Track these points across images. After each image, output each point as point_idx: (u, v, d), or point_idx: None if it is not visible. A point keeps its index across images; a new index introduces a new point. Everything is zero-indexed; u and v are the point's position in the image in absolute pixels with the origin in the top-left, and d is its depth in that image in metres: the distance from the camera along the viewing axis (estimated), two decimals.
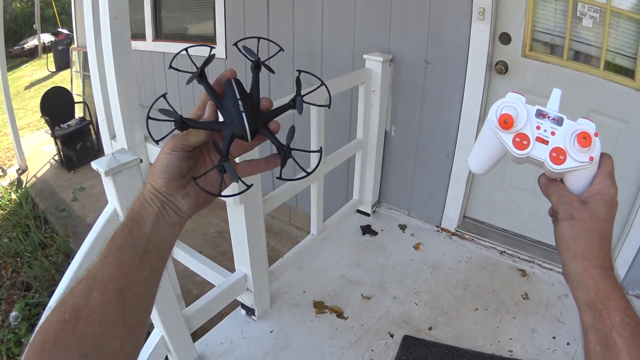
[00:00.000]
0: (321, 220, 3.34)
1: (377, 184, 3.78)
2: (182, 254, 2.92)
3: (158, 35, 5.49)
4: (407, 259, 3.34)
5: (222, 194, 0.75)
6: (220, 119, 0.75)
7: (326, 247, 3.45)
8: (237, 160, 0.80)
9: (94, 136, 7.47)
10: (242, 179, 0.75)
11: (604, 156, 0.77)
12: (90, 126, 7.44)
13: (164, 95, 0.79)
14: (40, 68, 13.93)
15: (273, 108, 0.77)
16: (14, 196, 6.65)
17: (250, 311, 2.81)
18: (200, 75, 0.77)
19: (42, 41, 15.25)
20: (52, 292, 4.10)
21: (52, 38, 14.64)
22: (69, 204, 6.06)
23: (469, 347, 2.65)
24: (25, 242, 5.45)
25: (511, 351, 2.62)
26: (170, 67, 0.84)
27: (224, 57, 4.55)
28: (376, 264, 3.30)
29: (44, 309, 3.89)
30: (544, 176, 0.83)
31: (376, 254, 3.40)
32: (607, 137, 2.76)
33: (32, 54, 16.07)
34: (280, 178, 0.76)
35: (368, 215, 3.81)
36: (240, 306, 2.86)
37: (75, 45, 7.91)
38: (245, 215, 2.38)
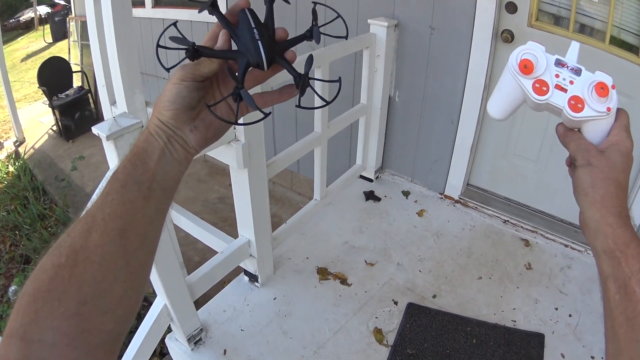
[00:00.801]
0: (324, 186, 3.31)
1: (381, 149, 3.74)
2: (183, 220, 2.89)
3: (158, 2, 5.41)
4: (411, 226, 3.31)
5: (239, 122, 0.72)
6: (234, 48, 0.71)
7: (329, 213, 3.43)
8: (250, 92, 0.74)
9: (92, 105, 7.41)
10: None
11: (620, 110, 0.78)
12: (89, 95, 7.37)
13: (174, 24, 0.74)
14: (36, 40, 13.80)
15: (289, 38, 0.73)
16: (11, 169, 6.62)
17: (253, 278, 2.79)
18: (212, 5, 0.73)
19: (38, 13, 15.09)
20: None
21: (49, 9, 14.48)
22: (67, 174, 6.03)
23: (473, 316, 2.64)
24: (24, 215, 5.43)
25: (514, 321, 2.61)
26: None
27: None
28: (380, 230, 3.28)
29: None
30: (562, 125, 0.82)
31: (379, 220, 3.38)
32: None
33: (28, 27, 15.87)
34: (299, 106, 0.74)
35: (371, 181, 3.78)
36: (243, 273, 2.85)
37: (72, 15, 7.81)
38: (249, 179, 2.35)
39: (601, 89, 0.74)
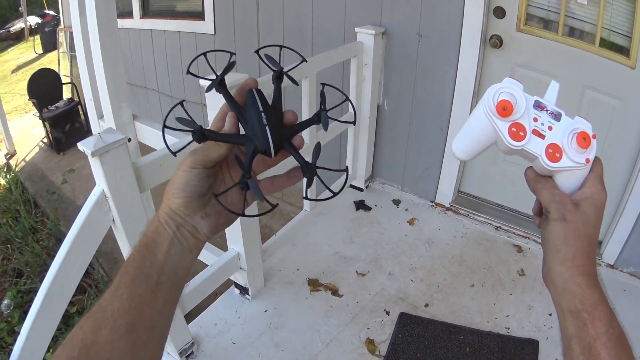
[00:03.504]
0: (314, 196, 3.28)
1: (370, 158, 3.73)
2: None
3: (146, 13, 5.39)
4: (402, 235, 3.30)
5: (246, 213, 0.69)
6: (242, 131, 0.69)
7: (320, 223, 3.41)
8: (258, 177, 0.74)
9: (82, 117, 7.36)
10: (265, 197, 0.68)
11: (595, 159, 0.74)
12: (79, 107, 7.33)
13: (181, 103, 0.72)
14: (27, 51, 13.74)
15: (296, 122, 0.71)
16: (2, 181, 6.56)
17: (244, 290, 2.77)
18: (220, 84, 0.72)
19: (28, 24, 15.02)
20: (44, 277, 4.04)
21: (39, 20, 14.41)
22: (58, 186, 5.99)
23: (466, 324, 2.62)
24: (16, 228, 5.37)
25: (508, 328, 2.60)
26: (188, 72, 0.78)
27: (213, 33, 4.47)
28: (371, 240, 3.26)
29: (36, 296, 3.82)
30: (532, 170, 0.78)
31: (370, 230, 3.36)
32: (602, 114, 2.73)
33: (18, 37, 15.80)
34: (306, 198, 0.73)
35: (361, 190, 3.76)
36: (233, 285, 2.82)
37: (62, 26, 7.78)
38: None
39: (583, 140, 0.71)
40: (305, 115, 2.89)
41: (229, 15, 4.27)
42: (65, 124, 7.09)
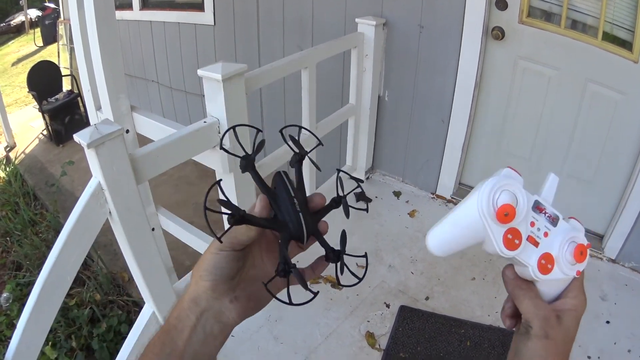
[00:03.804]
0: (314, 188, 3.27)
1: (371, 150, 3.71)
2: (172, 225, 2.85)
3: (145, 4, 5.35)
4: (402, 227, 3.28)
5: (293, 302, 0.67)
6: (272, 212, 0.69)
7: None
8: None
9: (82, 109, 7.31)
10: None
11: None
12: (79, 99, 7.27)
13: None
14: (27, 44, 13.72)
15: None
16: (2, 174, 6.53)
17: None
18: (249, 164, 0.72)
19: (28, 17, 15.00)
20: None
21: (39, 13, 14.39)
22: (58, 178, 5.96)
23: (467, 318, 2.60)
24: (15, 220, 5.35)
25: None
26: (221, 147, 0.81)
27: (212, 24, 4.44)
28: (371, 232, 3.24)
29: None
30: (513, 271, 0.71)
31: (371, 222, 3.34)
32: (604, 108, 2.72)
33: (19, 30, 15.81)
34: (340, 284, 0.69)
35: (362, 181, 3.71)
36: None
37: (62, 18, 7.74)
38: (235, 184, 2.30)
39: (580, 253, 0.65)
40: (304, 109, 2.87)
41: (228, 6, 4.24)
42: (65, 116, 7.05)
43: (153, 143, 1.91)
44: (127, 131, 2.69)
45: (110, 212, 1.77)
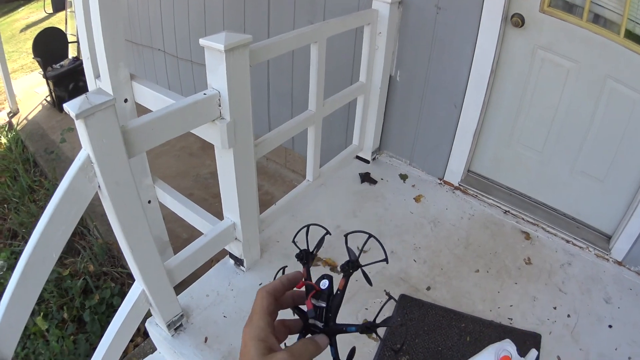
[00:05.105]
0: (317, 166, 3.16)
1: (379, 130, 3.58)
2: (169, 199, 2.76)
3: None
4: (407, 212, 3.17)
5: None
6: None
7: (322, 195, 3.28)
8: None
9: None
10: None
11: None
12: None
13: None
14: (37, 10, 13.53)
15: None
16: (3, 140, 6.45)
17: (238, 261, 2.66)
18: (308, 257, 0.84)
19: None
20: None
21: None
22: (58, 145, 5.88)
23: (468, 312, 2.51)
24: (14, 187, 5.28)
25: (511, 319, 2.49)
26: (293, 241, 0.89)
27: None
28: (374, 215, 3.14)
29: None
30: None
31: (374, 204, 3.23)
32: (621, 107, 2.61)
33: None
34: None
35: (368, 162, 3.63)
36: (228, 256, 2.71)
37: None
38: (234, 160, 2.19)
39: None
40: (312, 84, 2.75)
41: None
42: (69, 83, 6.93)
43: (148, 115, 1.80)
44: (126, 100, 2.60)
45: (99, 186, 1.67)
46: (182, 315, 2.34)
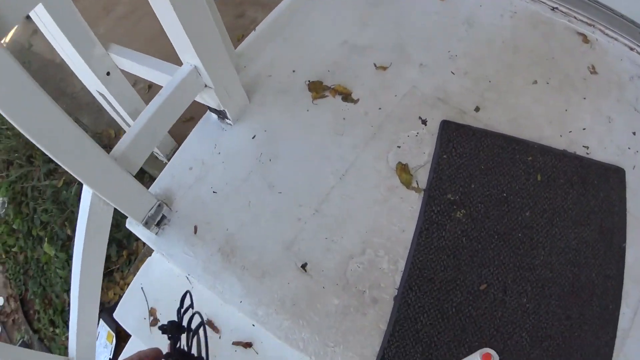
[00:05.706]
0: None
1: None
2: (127, 63, 2.01)
3: None
4: (431, 12, 2.37)
5: None
6: None
7: (319, 5, 2.43)
8: None
9: None
10: None
11: None
12: None
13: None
14: None
15: None
16: None
17: (221, 114, 1.99)
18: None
19: None
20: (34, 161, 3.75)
21: None
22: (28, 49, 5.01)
23: (534, 139, 1.92)
24: None
25: (587, 147, 1.93)
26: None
27: None
28: (390, 21, 2.35)
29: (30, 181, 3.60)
30: None
31: (387, 8, 2.41)
32: None
33: None
34: None
35: None
36: (208, 110, 2.05)
37: None
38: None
39: None
40: None
41: None
42: None
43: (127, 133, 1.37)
44: (108, 73, 2.07)
45: None
46: (159, 205, 1.79)
